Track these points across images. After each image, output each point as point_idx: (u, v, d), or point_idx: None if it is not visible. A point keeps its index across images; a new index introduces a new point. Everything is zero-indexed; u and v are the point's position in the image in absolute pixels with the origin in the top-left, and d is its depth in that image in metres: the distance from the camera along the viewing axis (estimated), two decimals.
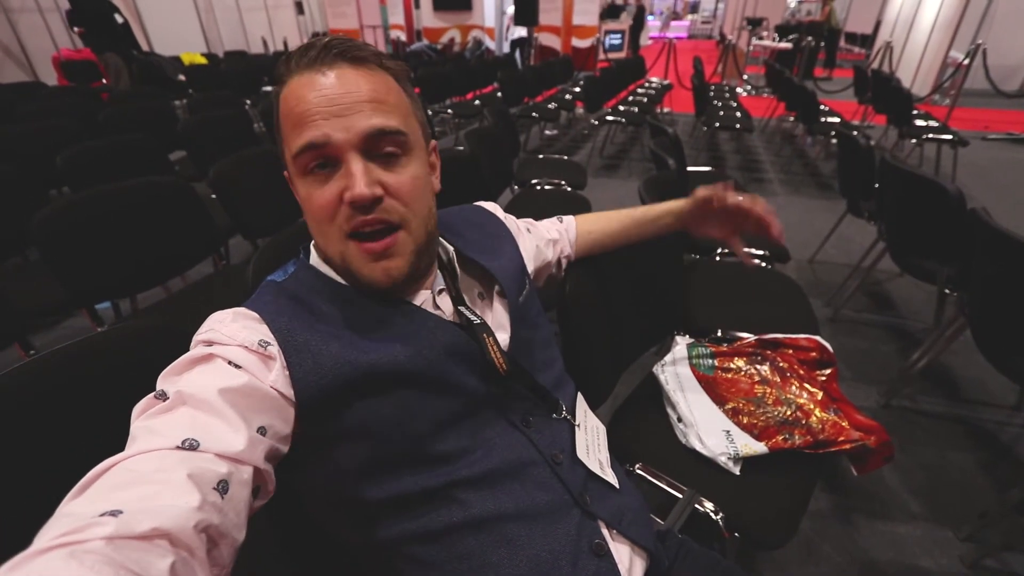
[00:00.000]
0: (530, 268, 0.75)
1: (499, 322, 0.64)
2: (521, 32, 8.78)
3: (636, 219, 0.87)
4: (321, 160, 0.51)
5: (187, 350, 0.48)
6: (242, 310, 0.53)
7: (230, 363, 0.46)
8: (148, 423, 0.41)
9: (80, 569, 0.28)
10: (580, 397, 0.72)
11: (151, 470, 0.36)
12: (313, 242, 0.62)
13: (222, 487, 0.38)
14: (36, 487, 0.60)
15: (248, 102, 4.14)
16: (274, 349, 0.49)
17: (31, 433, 0.59)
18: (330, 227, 0.52)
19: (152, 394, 0.43)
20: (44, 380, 0.61)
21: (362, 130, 0.50)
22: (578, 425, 0.66)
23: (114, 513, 0.32)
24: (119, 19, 4.45)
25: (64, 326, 2.05)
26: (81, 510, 0.33)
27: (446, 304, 0.60)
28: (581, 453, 0.62)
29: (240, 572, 0.50)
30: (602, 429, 0.72)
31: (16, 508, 0.57)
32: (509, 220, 0.79)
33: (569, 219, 0.90)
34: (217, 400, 0.42)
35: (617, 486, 0.63)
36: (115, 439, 0.44)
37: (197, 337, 0.50)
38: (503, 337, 0.61)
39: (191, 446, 0.39)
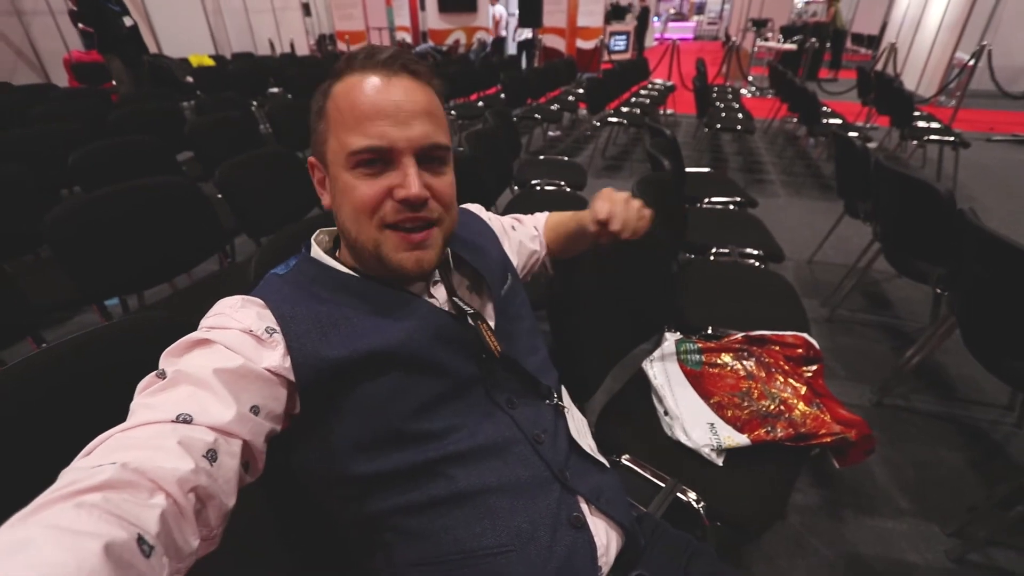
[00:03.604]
0: (515, 263, 0.80)
1: (485, 313, 0.68)
2: (528, 34, 8.82)
3: (568, 228, 0.85)
4: (375, 158, 0.55)
5: None
6: (249, 297, 0.58)
7: (227, 347, 0.50)
8: (147, 400, 0.45)
9: (88, 519, 0.32)
10: (563, 389, 0.76)
11: (146, 438, 0.41)
12: (315, 236, 0.67)
13: (211, 455, 0.43)
14: (47, 472, 0.63)
15: (254, 103, 4.19)
16: (278, 336, 0.54)
17: (43, 419, 0.62)
18: (370, 218, 0.57)
19: (154, 372, 0.48)
20: (56, 369, 0.64)
21: (420, 139, 0.56)
22: (567, 408, 0.70)
23: (112, 464, 0.37)
24: (128, 22, 4.41)
25: (74, 321, 2.10)
26: (83, 466, 0.38)
27: (440, 294, 0.65)
28: (575, 435, 0.67)
29: (242, 559, 0.53)
30: (584, 420, 0.75)
31: (29, 491, 0.61)
32: (493, 220, 0.83)
33: (541, 217, 0.90)
34: (211, 379, 0.47)
35: (607, 464, 0.68)
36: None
37: (204, 321, 0.55)
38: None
39: (185, 420, 0.44)
